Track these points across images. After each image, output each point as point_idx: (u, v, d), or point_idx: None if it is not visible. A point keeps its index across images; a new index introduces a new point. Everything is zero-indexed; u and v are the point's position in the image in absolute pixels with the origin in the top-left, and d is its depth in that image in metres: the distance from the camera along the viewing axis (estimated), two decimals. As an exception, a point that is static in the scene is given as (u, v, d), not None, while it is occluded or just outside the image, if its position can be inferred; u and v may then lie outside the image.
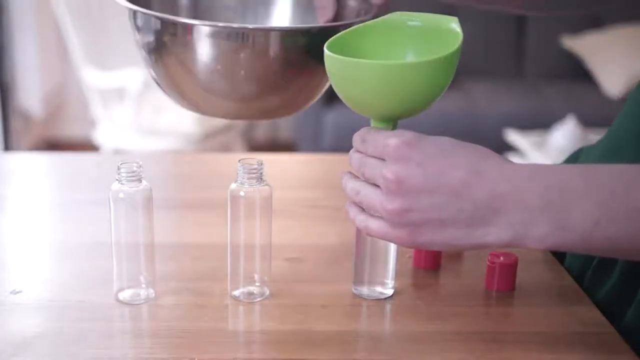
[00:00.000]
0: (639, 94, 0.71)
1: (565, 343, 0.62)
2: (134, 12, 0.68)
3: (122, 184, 0.64)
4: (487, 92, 3.11)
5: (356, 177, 0.59)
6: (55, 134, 3.52)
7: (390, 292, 0.69)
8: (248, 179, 0.64)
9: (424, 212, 0.54)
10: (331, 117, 2.93)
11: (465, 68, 3.33)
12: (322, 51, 0.61)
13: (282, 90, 0.68)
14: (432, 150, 0.54)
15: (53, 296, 0.68)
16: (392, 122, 0.60)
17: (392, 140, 0.55)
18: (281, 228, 0.82)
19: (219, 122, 2.85)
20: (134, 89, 2.58)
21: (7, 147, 2.99)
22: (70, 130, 3.52)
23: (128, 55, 3.03)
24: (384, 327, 0.66)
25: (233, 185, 0.65)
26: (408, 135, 0.55)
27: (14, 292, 0.69)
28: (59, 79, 3.42)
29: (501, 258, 0.70)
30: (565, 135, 2.47)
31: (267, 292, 0.69)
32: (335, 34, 0.65)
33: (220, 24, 0.64)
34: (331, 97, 3.31)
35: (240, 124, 3.09)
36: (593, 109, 2.87)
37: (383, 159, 0.56)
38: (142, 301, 0.67)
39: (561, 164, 0.53)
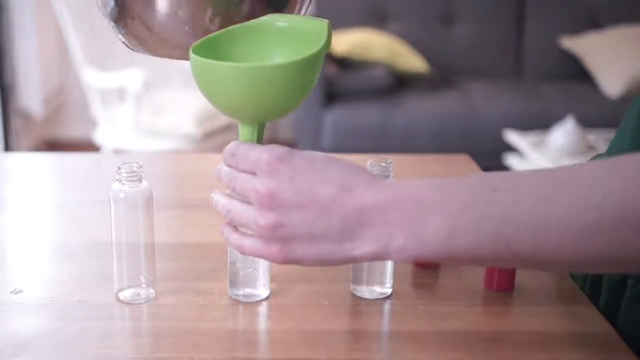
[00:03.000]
0: (634, 111, 0.71)
1: (565, 343, 0.62)
2: None
3: (122, 184, 0.65)
4: (486, 92, 3.11)
5: (226, 195, 0.59)
6: (55, 134, 3.52)
7: (388, 291, 0.70)
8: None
9: (295, 227, 0.54)
10: (331, 117, 2.93)
11: (464, 68, 3.34)
12: None
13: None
14: (303, 166, 0.55)
15: (53, 296, 0.68)
16: (258, 124, 0.61)
17: (264, 155, 0.55)
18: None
19: (219, 122, 2.85)
20: (134, 89, 2.58)
21: (7, 147, 2.99)
22: (70, 130, 3.52)
23: (128, 56, 3.03)
24: (383, 327, 0.66)
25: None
26: (280, 150, 0.56)
27: (15, 292, 0.69)
28: (59, 79, 3.42)
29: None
30: (564, 136, 2.47)
31: (267, 292, 0.69)
32: None
33: None
34: (331, 97, 3.31)
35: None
36: (592, 109, 2.87)
37: (254, 174, 0.56)
38: (143, 301, 0.67)
39: (426, 179, 0.54)
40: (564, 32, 3.30)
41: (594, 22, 3.30)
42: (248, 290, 0.68)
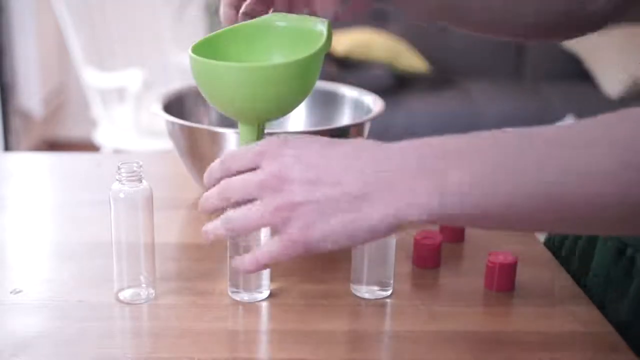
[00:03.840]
0: None
1: (565, 343, 0.62)
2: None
3: (122, 184, 0.64)
4: (486, 92, 3.11)
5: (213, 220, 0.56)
6: (55, 134, 3.52)
7: (389, 291, 0.70)
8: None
9: (308, 204, 0.52)
10: (331, 117, 2.92)
11: (465, 68, 3.34)
12: None
13: None
14: (307, 144, 0.54)
15: (53, 296, 0.68)
16: (258, 124, 0.60)
17: (262, 145, 0.54)
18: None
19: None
20: (134, 89, 2.58)
21: (7, 147, 2.99)
22: (70, 130, 3.52)
23: (128, 56, 3.03)
24: (383, 327, 0.66)
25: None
26: (277, 137, 0.54)
27: (15, 292, 0.69)
28: (59, 79, 3.42)
29: (501, 258, 0.71)
30: (565, 136, 2.47)
31: (267, 292, 0.69)
32: (344, 135, 0.74)
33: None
34: (331, 97, 3.27)
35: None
36: (592, 109, 2.86)
37: (253, 169, 0.54)
38: (143, 301, 0.67)
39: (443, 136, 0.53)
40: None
41: (594, 22, 3.30)
42: (248, 290, 0.68)
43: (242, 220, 0.54)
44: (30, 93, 3.14)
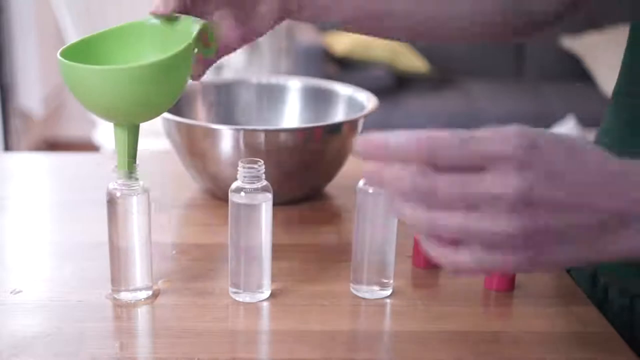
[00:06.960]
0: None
1: (565, 343, 0.62)
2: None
3: (120, 183, 0.65)
4: (486, 92, 3.11)
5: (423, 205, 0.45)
6: (55, 134, 3.52)
7: (388, 291, 0.70)
8: (248, 179, 0.65)
9: (547, 232, 0.45)
10: (331, 117, 2.92)
11: (465, 68, 3.34)
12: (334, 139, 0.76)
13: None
14: (552, 149, 0.45)
15: (53, 296, 0.68)
16: (129, 126, 0.60)
17: (513, 143, 0.44)
18: (281, 228, 0.82)
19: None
20: (133, 89, 2.58)
21: (7, 147, 2.99)
22: (70, 130, 3.52)
23: (128, 56, 3.03)
24: (383, 327, 0.66)
25: (233, 186, 0.66)
26: (528, 135, 0.44)
27: (14, 292, 0.69)
28: (59, 79, 3.41)
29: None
30: (565, 136, 2.47)
31: (268, 292, 0.69)
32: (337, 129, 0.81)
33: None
34: (331, 97, 3.27)
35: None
36: (592, 109, 2.87)
37: (495, 169, 0.44)
38: (142, 301, 0.67)
39: None
40: (565, 32, 3.30)
41: (594, 22, 3.31)
42: (248, 290, 0.68)
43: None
44: (30, 93, 3.14)
